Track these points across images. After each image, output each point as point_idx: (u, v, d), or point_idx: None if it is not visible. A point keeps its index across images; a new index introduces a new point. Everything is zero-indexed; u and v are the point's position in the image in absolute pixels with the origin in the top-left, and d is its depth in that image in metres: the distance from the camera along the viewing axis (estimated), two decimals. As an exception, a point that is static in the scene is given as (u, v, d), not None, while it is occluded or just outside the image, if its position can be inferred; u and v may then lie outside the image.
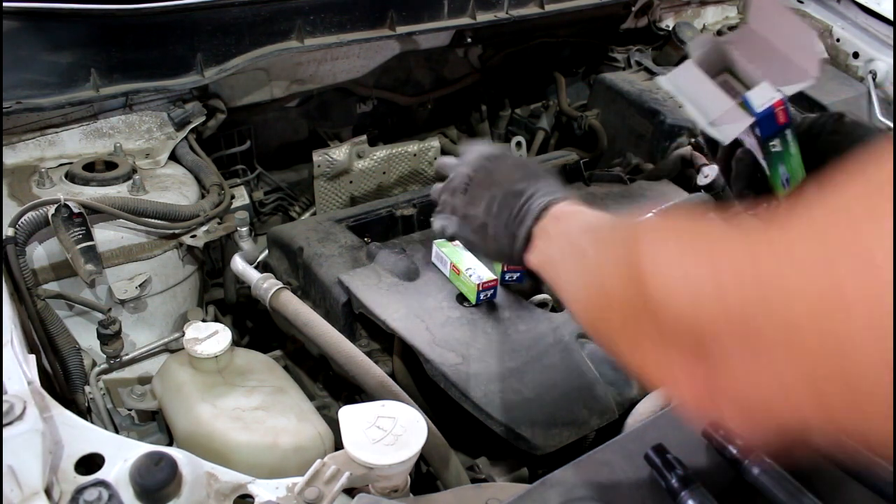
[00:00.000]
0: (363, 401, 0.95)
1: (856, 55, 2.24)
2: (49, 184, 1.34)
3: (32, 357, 0.91)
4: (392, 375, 1.14)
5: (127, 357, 1.31)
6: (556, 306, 1.27)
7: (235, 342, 1.21)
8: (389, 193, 1.95)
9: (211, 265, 1.62)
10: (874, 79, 2.14)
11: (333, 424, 1.03)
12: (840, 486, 0.74)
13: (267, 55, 1.55)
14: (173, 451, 0.75)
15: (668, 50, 2.25)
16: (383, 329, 1.16)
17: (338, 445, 0.84)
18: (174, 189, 1.41)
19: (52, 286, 1.28)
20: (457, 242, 1.27)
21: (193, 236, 1.36)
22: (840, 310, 0.39)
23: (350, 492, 0.81)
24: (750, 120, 0.81)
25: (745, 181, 0.91)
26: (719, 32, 2.36)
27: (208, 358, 1.12)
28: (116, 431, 1.25)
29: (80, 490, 0.71)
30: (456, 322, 1.16)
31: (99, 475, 0.73)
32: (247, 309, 1.60)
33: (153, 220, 1.31)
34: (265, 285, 1.25)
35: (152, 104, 1.53)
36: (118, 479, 0.72)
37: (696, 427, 0.77)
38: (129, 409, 1.26)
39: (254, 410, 1.08)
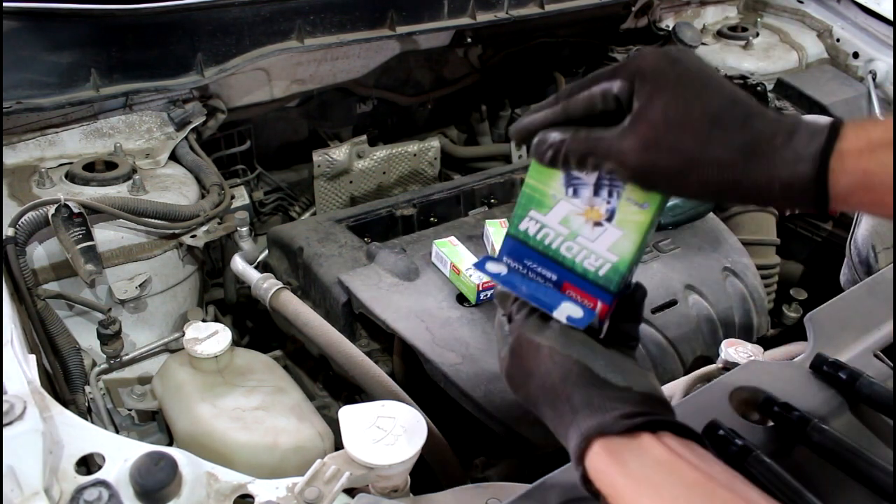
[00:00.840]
0: (363, 401, 0.95)
1: (856, 55, 2.23)
2: (49, 184, 1.34)
3: (32, 357, 0.91)
4: (392, 375, 1.14)
5: (127, 357, 1.31)
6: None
7: (235, 342, 1.21)
8: (389, 193, 1.95)
9: (211, 265, 1.62)
10: (874, 79, 2.14)
11: (333, 424, 1.03)
12: (840, 486, 0.74)
13: (267, 55, 1.55)
14: (173, 451, 0.75)
15: (668, 50, 2.24)
16: (383, 329, 1.16)
17: (338, 445, 0.84)
18: (174, 189, 1.41)
19: (52, 286, 1.28)
20: (457, 242, 1.27)
21: (193, 236, 1.36)
22: None
23: (350, 492, 0.81)
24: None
25: None
26: (719, 33, 2.36)
27: (208, 358, 1.12)
28: (116, 431, 1.25)
29: (80, 490, 0.71)
30: (456, 322, 1.16)
31: (99, 475, 0.73)
32: (247, 309, 1.60)
33: (153, 220, 1.31)
34: (265, 285, 1.25)
35: (152, 104, 1.53)
36: (118, 479, 0.72)
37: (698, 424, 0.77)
38: (129, 409, 1.26)
39: (254, 410, 1.08)
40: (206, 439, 1.04)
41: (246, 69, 1.57)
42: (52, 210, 1.20)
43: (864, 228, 1.36)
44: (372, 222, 1.48)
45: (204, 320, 1.34)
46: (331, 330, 1.16)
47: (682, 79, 0.62)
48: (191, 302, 1.48)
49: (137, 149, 1.50)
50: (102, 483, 0.72)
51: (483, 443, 1.11)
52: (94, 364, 1.31)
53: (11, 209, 1.24)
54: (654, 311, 1.26)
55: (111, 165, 1.41)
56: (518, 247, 0.75)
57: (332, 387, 1.33)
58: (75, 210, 1.21)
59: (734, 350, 1.10)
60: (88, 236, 1.22)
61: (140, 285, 1.33)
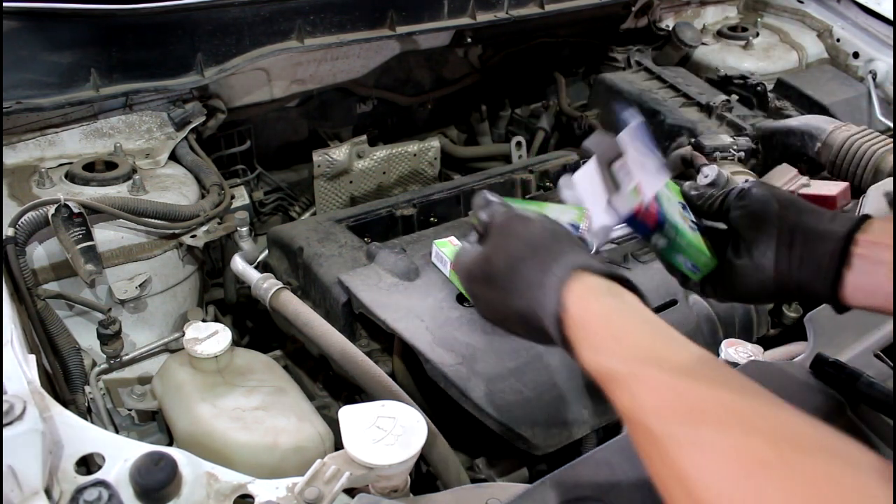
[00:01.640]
0: (363, 401, 0.95)
1: (856, 55, 2.24)
2: (49, 184, 1.34)
3: (32, 357, 0.91)
4: (392, 375, 1.14)
5: (127, 357, 1.31)
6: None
7: (235, 342, 1.21)
8: (389, 193, 1.95)
9: (211, 265, 1.62)
10: (874, 79, 2.14)
11: (333, 424, 1.02)
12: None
13: (267, 55, 1.55)
14: (173, 451, 0.75)
15: (668, 50, 2.25)
16: (383, 329, 1.16)
17: (338, 445, 0.84)
18: (174, 189, 1.41)
19: (52, 286, 1.28)
20: (457, 242, 1.27)
21: (193, 236, 1.36)
22: None
23: (350, 492, 0.81)
24: (612, 225, 0.81)
25: (668, 268, 0.90)
26: (719, 33, 2.36)
27: (208, 358, 1.12)
28: (116, 431, 1.25)
29: (80, 490, 0.71)
30: (456, 322, 1.16)
31: (99, 475, 0.73)
32: (247, 309, 1.60)
33: (153, 220, 1.31)
34: (265, 285, 1.25)
35: (152, 104, 1.53)
36: (118, 479, 0.72)
37: None
38: (129, 409, 1.26)
39: (254, 410, 1.08)
40: (206, 439, 1.04)
41: (246, 69, 1.57)
42: (52, 210, 1.20)
43: (864, 228, 1.36)
44: (372, 222, 1.48)
45: (204, 320, 1.34)
46: (331, 330, 1.16)
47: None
48: (191, 302, 1.48)
49: (137, 149, 1.50)
50: (102, 483, 0.72)
51: (483, 443, 1.11)
52: (94, 364, 1.31)
53: (11, 209, 1.24)
54: (654, 311, 1.26)
55: (111, 165, 1.41)
56: None
57: (332, 387, 1.33)
58: (75, 210, 1.21)
59: (734, 350, 1.10)
60: (88, 236, 1.22)
61: (140, 285, 1.33)
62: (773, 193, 0.82)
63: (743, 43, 2.28)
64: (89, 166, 1.40)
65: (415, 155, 1.96)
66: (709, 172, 1.55)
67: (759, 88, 2.08)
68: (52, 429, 0.78)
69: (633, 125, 0.83)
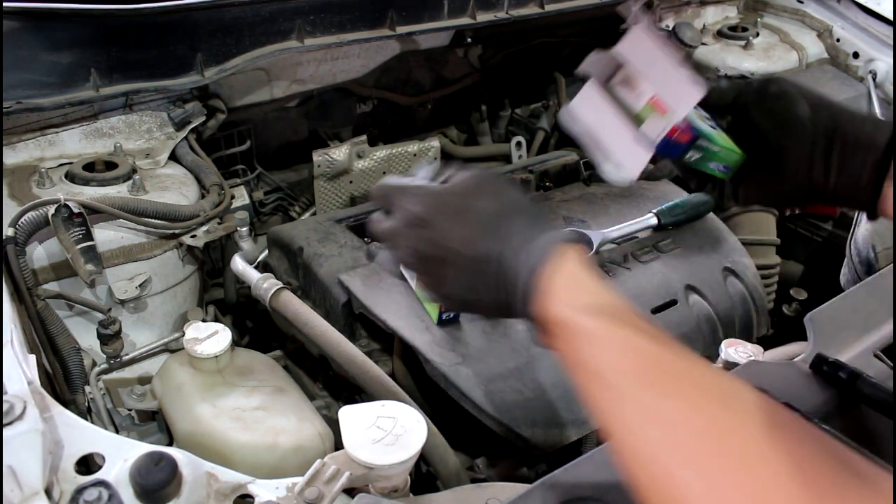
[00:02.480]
0: (363, 401, 0.95)
1: (856, 55, 2.23)
2: (49, 184, 1.34)
3: (32, 357, 0.91)
4: (392, 375, 1.14)
5: (127, 357, 1.31)
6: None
7: (235, 342, 1.21)
8: (389, 193, 1.94)
9: (211, 265, 1.62)
10: (874, 79, 2.14)
11: (333, 424, 1.03)
12: (840, 486, 0.74)
13: (267, 55, 1.55)
14: (173, 451, 0.75)
15: (668, 50, 2.25)
16: (383, 329, 1.16)
17: (338, 445, 0.84)
18: (174, 189, 1.41)
19: (52, 286, 1.28)
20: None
21: (193, 236, 1.36)
22: None
23: (350, 492, 0.81)
24: (648, 156, 0.73)
25: (695, 179, 0.86)
26: (719, 33, 2.36)
27: (208, 358, 1.12)
28: (116, 431, 1.25)
29: (80, 490, 0.71)
30: (456, 322, 1.16)
31: (99, 475, 0.73)
32: (247, 309, 1.60)
33: (153, 220, 1.31)
34: (265, 285, 1.25)
35: (152, 104, 1.53)
36: (118, 479, 0.72)
37: None
38: (129, 409, 1.26)
39: (254, 410, 1.08)
40: (206, 439, 1.04)
41: (246, 69, 1.57)
42: (52, 210, 1.20)
43: (864, 228, 1.36)
44: (372, 222, 1.47)
45: (204, 320, 1.34)
46: (331, 330, 1.16)
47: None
48: (191, 302, 1.48)
49: (137, 149, 1.50)
50: (102, 483, 0.72)
51: (483, 443, 1.11)
52: (94, 364, 1.31)
53: (11, 209, 1.24)
54: (654, 311, 1.26)
55: (111, 165, 1.41)
56: None
57: (332, 387, 1.33)
58: (75, 210, 1.21)
59: (734, 350, 1.10)
60: (88, 236, 1.22)
61: (140, 285, 1.33)
62: (801, 92, 0.74)
63: (743, 43, 2.28)
64: (89, 166, 1.40)
65: (415, 155, 1.96)
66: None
67: (759, 88, 2.08)
68: (52, 429, 0.78)
69: (641, 25, 0.71)
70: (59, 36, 1.35)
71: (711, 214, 1.49)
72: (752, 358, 1.07)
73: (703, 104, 0.77)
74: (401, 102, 2.09)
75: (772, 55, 2.25)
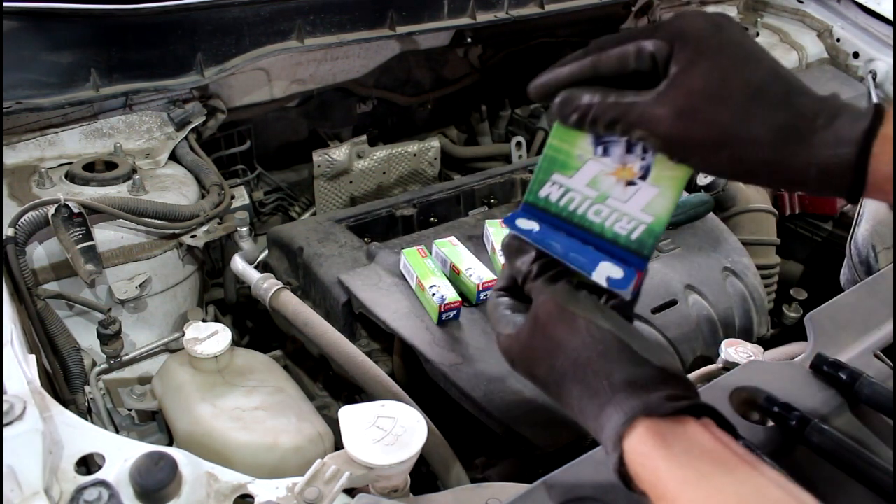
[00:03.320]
0: (363, 401, 0.95)
1: (856, 55, 2.23)
2: (49, 184, 1.34)
3: (32, 357, 0.91)
4: (392, 375, 1.14)
5: (127, 357, 1.31)
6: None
7: (235, 342, 1.21)
8: (389, 193, 1.95)
9: (211, 265, 1.62)
10: (874, 79, 2.14)
11: (333, 424, 1.02)
12: (840, 487, 0.74)
13: (267, 55, 1.55)
14: (173, 451, 0.75)
15: (668, 50, 2.24)
16: (383, 329, 1.16)
17: (338, 445, 0.84)
18: (174, 189, 1.41)
19: (52, 286, 1.28)
20: (457, 242, 1.27)
21: (193, 236, 1.36)
22: None
23: (350, 492, 0.81)
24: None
25: None
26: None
27: (208, 358, 1.12)
28: (116, 431, 1.25)
29: (80, 490, 0.71)
30: (456, 322, 1.16)
31: (99, 475, 0.73)
32: (247, 309, 1.60)
33: (153, 220, 1.31)
34: (265, 285, 1.25)
35: (152, 104, 1.53)
36: (118, 479, 0.72)
37: None
38: (129, 409, 1.26)
39: (254, 410, 1.08)
40: (206, 439, 1.04)
41: (246, 69, 1.57)
42: (52, 210, 1.20)
43: (864, 228, 1.36)
44: (372, 222, 1.48)
45: (204, 320, 1.34)
46: (331, 330, 1.16)
47: (725, 47, 0.59)
48: (191, 302, 1.48)
49: (137, 149, 1.50)
50: (102, 483, 0.72)
51: (483, 443, 1.11)
52: (94, 364, 1.31)
53: (11, 209, 1.24)
54: (654, 311, 1.26)
55: (111, 165, 1.41)
56: (537, 215, 0.70)
57: (332, 387, 1.33)
58: (75, 210, 1.21)
59: (734, 350, 1.10)
60: (88, 236, 1.22)
61: (140, 285, 1.33)
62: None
63: (743, 43, 2.28)
64: (89, 166, 1.40)
65: (415, 155, 1.96)
66: (709, 172, 1.55)
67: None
68: (52, 429, 0.78)
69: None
70: (59, 36, 1.36)
71: (711, 214, 1.49)
72: (752, 358, 1.07)
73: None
74: (401, 102, 2.09)
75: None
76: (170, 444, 1.17)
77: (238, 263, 1.35)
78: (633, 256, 0.67)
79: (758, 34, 2.32)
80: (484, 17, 1.78)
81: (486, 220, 1.35)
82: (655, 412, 0.58)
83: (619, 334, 0.64)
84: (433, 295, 1.14)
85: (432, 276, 1.18)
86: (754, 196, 1.61)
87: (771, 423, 0.82)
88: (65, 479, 0.73)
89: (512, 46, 2.20)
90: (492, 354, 1.11)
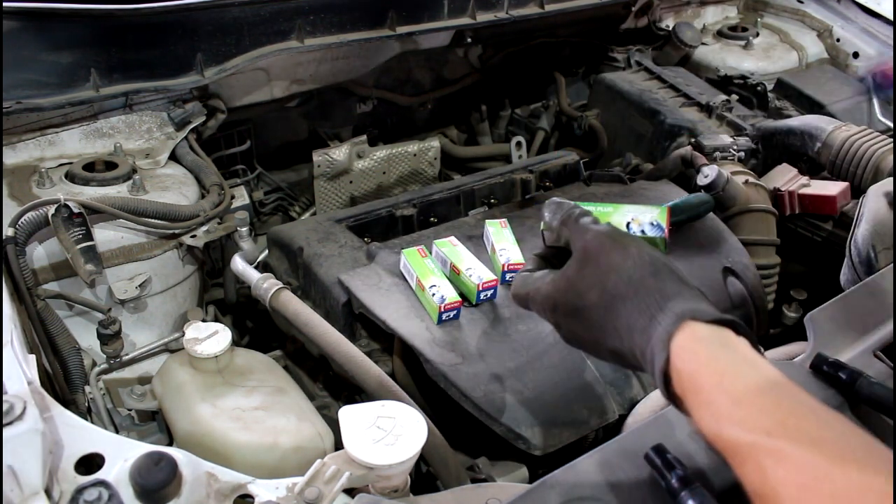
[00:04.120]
0: (363, 401, 0.95)
1: (856, 55, 2.23)
2: (49, 184, 1.34)
3: (32, 357, 0.91)
4: (392, 375, 1.14)
5: (127, 357, 1.31)
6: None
7: (235, 342, 1.21)
8: (389, 193, 1.95)
9: (211, 265, 1.62)
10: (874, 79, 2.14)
11: (333, 424, 1.03)
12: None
13: (267, 55, 1.55)
14: (173, 451, 0.75)
15: (668, 50, 2.25)
16: (383, 329, 1.16)
17: (338, 445, 0.84)
18: (174, 189, 1.41)
19: (52, 286, 1.28)
20: (457, 242, 1.27)
21: (193, 236, 1.36)
22: None
23: (350, 492, 0.81)
24: None
25: None
26: (719, 33, 2.36)
27: (208, 358, 1.12)
28: (116, 431, 1.25)
29: (80, 490, 0.71)
30: (456, 322, 1.16)
31: (99, 475, 0.73)
32: (247, 309, 1.60)
33: (153, 220, 1.31)
34: (265, 285, 1.25)
35: (152, 104, 1.53)
36: (118, 479, 0.72)
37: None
38: (129, 409, 1.26)
39: (254, 410, 1.08)
40: (206, 439, 1.04)
41: (246, 69, 1.57)
42: (52, 210, 1.20)
43: (865, 228, 1.35)
44: (372, 222, 1.48)
45: (204, 320, 1.34)
46: (331, 330, 1.16)
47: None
48: (191, 302, 1.48)
49: (137, 149, 1.50)
50: (102, 483, 0.72)
51: (483, 443, 1.11)
52: (94, 364, 1.31)
53: (11, 209, 1.25)
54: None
55: (111, 165, 1.41)
56: None
57: (332, 387, 1.33)
58: (75, 210, 1.21)
59: (734, 350, 1.09)
60: (88, 236, 1.22)
61: (140, 285, 1.33)
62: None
63: (743, 43, 2.28)
64: (89, 166, 1.40)
65: (415, 155, 1.96)
66: (709, 172, 1.55)
67: (759, 88, 2.08)
68: (52, 429, 0.78)
69: None
70: (59, 36, 1.36)
71: (711, 214, 1.49)
72: (752, 358, 1.07)
73: None
74: (401, 102, 2.10)
75: (772, 55, 2.26)
76: (170, 444, 1.17)
77: (238, 263, 1.35)
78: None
79: (758, 34, 2.32)
80: (484, 17, 1.78)
81: (486, 220, 1.35)
82: (703, 316, 0.66)
83: (666, 261, 0.73)
84: (433, 295, 1.14)
85: (432, 276, 1.18)
86: (754, 196, 1.60)
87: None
88: (65, 479, 0.73)
89: (512, 46, 2.20)
90: (492, 354, 1.11)
